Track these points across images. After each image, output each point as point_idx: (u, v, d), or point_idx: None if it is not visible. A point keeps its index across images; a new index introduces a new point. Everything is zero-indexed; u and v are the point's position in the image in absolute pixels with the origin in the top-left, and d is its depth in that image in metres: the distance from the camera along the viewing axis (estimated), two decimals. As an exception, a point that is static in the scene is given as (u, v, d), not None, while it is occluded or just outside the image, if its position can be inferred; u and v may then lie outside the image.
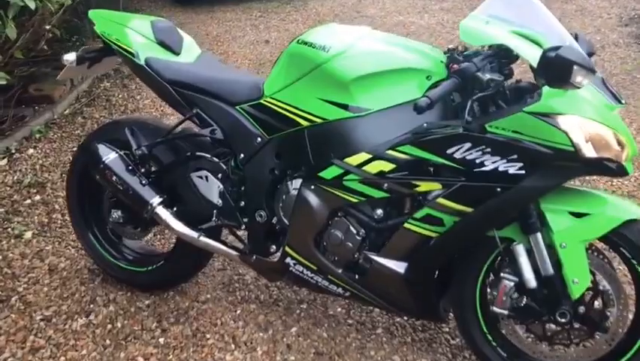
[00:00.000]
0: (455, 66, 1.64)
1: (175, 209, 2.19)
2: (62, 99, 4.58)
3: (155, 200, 2.14)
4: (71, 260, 2.73)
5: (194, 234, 2.12)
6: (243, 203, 2.07)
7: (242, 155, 2.03)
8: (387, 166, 1.72)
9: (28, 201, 3.25)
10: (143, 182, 2.15)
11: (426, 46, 1.89)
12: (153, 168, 2.21)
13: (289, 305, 2.41)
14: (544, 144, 1.56)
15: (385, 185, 1.75)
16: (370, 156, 1.74)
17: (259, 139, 1.99)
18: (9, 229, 3.00)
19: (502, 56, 1.65)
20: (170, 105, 2.18)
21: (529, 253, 1.74)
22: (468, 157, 1.63)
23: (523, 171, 1.60)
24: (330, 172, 1.82)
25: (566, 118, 1.54)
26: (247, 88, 2.03)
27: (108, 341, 2.27)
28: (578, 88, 1.46)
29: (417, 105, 1.52)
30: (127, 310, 2.43)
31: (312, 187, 1.87)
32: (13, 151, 3.88)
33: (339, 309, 2.39)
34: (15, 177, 3.53)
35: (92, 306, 2.45)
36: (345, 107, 1.79)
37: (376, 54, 1.80)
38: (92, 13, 2.26)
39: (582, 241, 1.67)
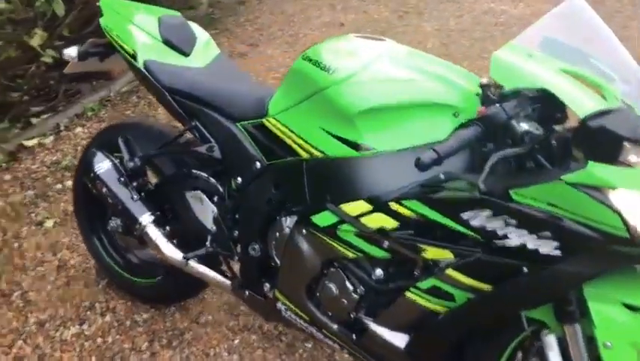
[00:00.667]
0: (482, 109, 1.29)
1: (168, 229, 1.97)
2: (122, 76, 4.49)
3: (145, 218, 1.93)
4: (83, 257, 2.60)
5: (182, 259, 1.90)
6: (236, 232, 1.82)
7: (239, 179, 1.78)
8: (390, 222, 1.41)
9: (59, 186, 3.16)
10: (134, 197, 1.94)
11: (460, 71, 1.54)
12: (149, 181, 1.99)
13: (293, 342, 2.16)
14: (588, 224, 1.19)
15: (386, 243, 1.44)
16: (370, 206, 1.43)
17: (258, 164, 1.72)
18: (33, 215, 2.92)
19: (550, 102, 1.27)
20: (171, 115, 1.94)
21: (563, 344, 1.37)
22: (487, 226, 1.29)
23: (559, 252, 1.24)
24: (323, 218, 1.52)
25: (618, 193, 1.16)
26: (251, 103, 1.76)
27: (94, 359, 2.11)
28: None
29: (419, 161, 1.20)
30: (122, 323, 2.26)
31: (304, 232, 1.59)
32: (62, 128, 3.84)
33: (347, 356, 2.10)
34: (55, 157, 3.47)
35: (88, 313, 2.31)
36: (347, 142, 1.48)
37: (392, 82, 1.47)
38: (103, 2, 2.05)
39: (636, 343, 1.29)
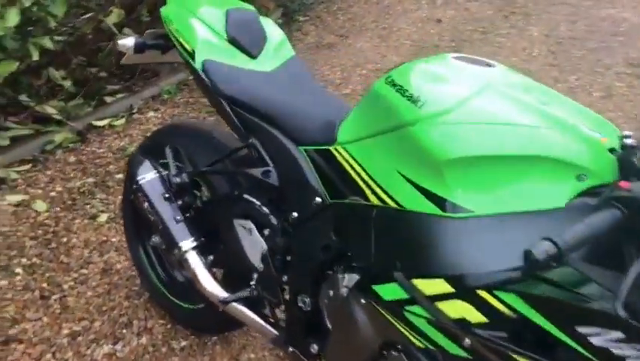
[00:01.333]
0: (623, 185, 0.91)
1: (211, 258, 1.69)
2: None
3: (187, 244, 1.66)
4: (129, 262, 2.39)
5: (223, 297, 1.62)
6: (285, 278, 1.52)
7: (295, 213, 1.47)
8: (476, 315, 1.06)
9: (120, 175, 2.98)
10: (177, 217, 1.68)
11: (593, 118, 1.16)
12: (197, 199, 1.72)
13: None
14: None
15: (467, 342, 1.08)
16: (452, 289, 1.08)
17: (319, 199, 1.41)
18: (88, 206, 2.75)
19: None
20: (229, 126, 1.65)
21: None
22: (614, 350, 0.91)
23: None
24: (389, 290, 1.19)
25: None
26: (319, 124, 1.44)
27: (121, 388, 1.89)
28: None
29: (531, 256, 0.84)
30: (158, 349, 2.03)
31: (363, 301, 1.26)
32: (135, 111, 3.69)
33: None
34: (122, 143, 3.31)
35: (124, 331, 2.09)
36: (430, 196, 1.14)
37: (498, 125, 1.11)
38: (169, -13, 1.78)
39: None
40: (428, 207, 1.14)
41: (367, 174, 1.29)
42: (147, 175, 1.72)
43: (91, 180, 2.96)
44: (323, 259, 1.41)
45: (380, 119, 1.25)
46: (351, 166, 1.34)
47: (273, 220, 1.54)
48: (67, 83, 3.64)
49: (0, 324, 2.10)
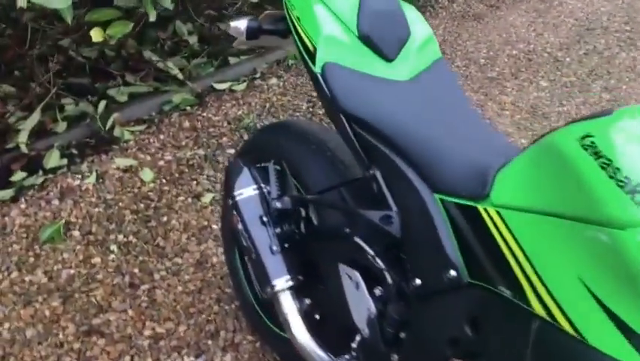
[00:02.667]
0: None
1: (307, 303, 1.39)
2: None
3: (281, 282, 1.37)
4: (226, 257, 2.17)
5: (319, 356, 1.32)
6: (396, 357, 1.18)
7: (417, 281, 1.12)
8: None
9: (232, 150, 2.76)
10: (274, 247, 1.38)
11: None
12: (296, 230, 1.41)
13: None
14: None
15: None
16: None
17: (453, 273, 1.05)
18: (194, 183, 2.56)
19: None
20: (349, 150, 1.31)
21: None
22: None
23: None
24: None
25: None
26: (467, 170, 1.07)
27: (195, 414, 1.68)
28: None
29: None
30: (241, 371, 1.80)
31: None
32: (258, 75, 3.44)
33: None
34: (239, 112, 3.09)
35: (209, 343, 1.88)
36: (634, 338, 0.74)
37: None
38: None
39: None
40: (626, 351, 0.74)
41: (528, 259, 0.91)
42: (245, 191, 1.43)
43: (201, 151, 2.76)
44: (449, 354, 1.05)
45: (563, 196, 0.86)
46: (504, 239, 0.96)
47: (388, 279, 1.20)
48: (193, 39, 3.46)
49: (86, 310, 1.96)
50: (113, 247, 2.22)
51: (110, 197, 2.47)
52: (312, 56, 1.29)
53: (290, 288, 1.37)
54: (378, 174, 1.21)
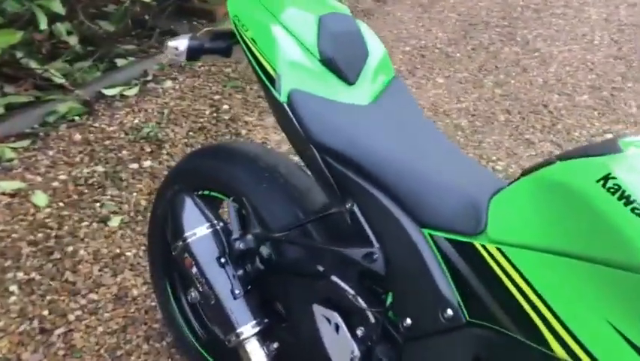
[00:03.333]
0: None
1: (275, 347, 1.28)
2: (226, 19, 3.77)
3: (247, 329, 1.25)
4: (148, 288, 1.99)
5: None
6: (388, 405, 1.12)
7: (408, 321, 1.07)
8: None
9: (135, 165, 2.54)
10: (237, 291, 1.26)
11: None
12: (259, 270, 1.30)
13: None
14: None
15: None
16: None
17: (450, 312, 1.00)
18: (97, 205, 2.32)
19: None
20: (319, 184, 1.22)
21: None
22: None
23: None
24: None
25: None
26: (456, 204, 1.02)
27: None
28: None
29: None
30: (186, 417, 1.65)
31: None
32: (150, 78, 3.20)
33: None
34: (136, 120, 2.85)
35: (144, 388, 1.70)
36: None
37: None
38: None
39: None
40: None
41: (542, 300, 0.88)
42: (198, 230, 1.28)
43: (100, 168, 2.51)
44: (450, 398, 1.01)
45: (582, 238, 0.83)
46: (509, 278, 0.93)
47: (371, 319, 1.13)
48: (74, 40, 3.14)
49: (-10, 367, 1.70)
50: (13, 288, 1.95)
51: (-1, 228, 2.17)
52: (274, 82, 1.18)
53: (256, 335, 1.25)
54: (356, 209, 1.13)
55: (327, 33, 1.21)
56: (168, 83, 3.20)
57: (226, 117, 2.93)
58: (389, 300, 1.15)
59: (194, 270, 1.27)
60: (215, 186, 1.44)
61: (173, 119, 2.88)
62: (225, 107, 3.01)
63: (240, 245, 1.24)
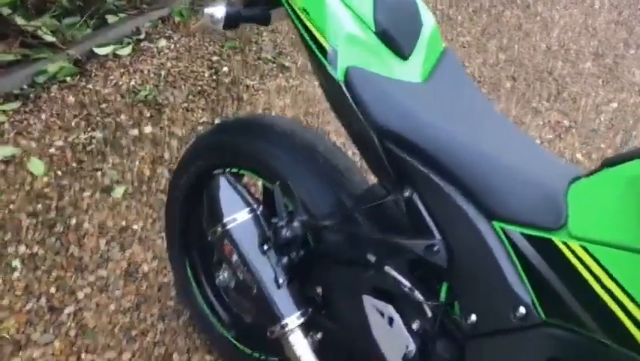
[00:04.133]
0: None
1: (319, 337, 1.22)
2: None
3: (292, 320, 1.18)
4: (159, 263, 1.91)
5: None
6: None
7: (473, 317, 1.01)
8: None
9: (135, 131, 2.42)
10: (281, 280, 1.19)
11: None
12: (303, 255, 1.22)
13: None
14: None
15: None
16: None
17: (523, 311, 0.95)
18: (99, 173, 2.20)
19: None
20: (373, 171, 1.14)
21: None
22: None
23: None
24: None
25: None
26: (531, 195, 0.96)
27: None
28: None
29: None
30: (208, 399, 1.59)
31: None
32: (142, 37, 3.03)
33: None
34: (132, 82, 2.70)
35: (163, 369, 1.64)
36: None
37: None
38: None
39: None
40: None
41: (632, 300, 0.83)
42: (239, 215, 1.20)
43: (98, 134, 2.38)
44: (522, 398, 0.96)
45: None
46: (596, 279, 0.87)
47: (428, 313, 1.08)
48: (62, -8, 2.94)
49: (-2, 348, 1.61)
50: (15, 263, 1.85)
51: (-6, 198, 2.04)
52: (327, 58, 1.08)
53: (301, 326, 1.19)
54: (416, 197, 1.06)
55: (383, 2, 1.11)
56: (163, 42, 3.04)
57: (226, 80, 2.80)
58: (444, 292, 1.09)
59: (235, 257, 1.19)
60: (246, 164, 1.35)
61: (172, 82, 2.74)
62: (225, 69, 2.88)
63: (286, 233, 1.16)
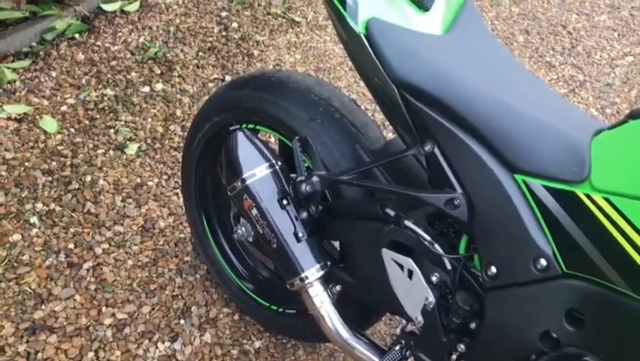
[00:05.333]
0: None
1: (338, 289, 1.24)
2: None
3: (312, 272, 1.20)
4: (175, 218, 1.93)
5: (365, 351, 1.20)
6: (462, 347, 1.09)
7: (493, 269, 1.02)
8: None
9: (146, 88, 2.41)
10: (300, 234, 1.20)
11: None
12: (322, 210, 1.23)
13: None
14: None
15: None
16: None
17: (543, 262, 0.96)
18: (112, 131, 2.20)
19: None
20: (394, 125, 1.13)
21: None
22: None
23: None
24: None
25: None
26: (554, 147, 0.96)
27: (188, 408, 1.51)
28: None
29: None
30: (227, 352, 1.63)
31: None
32: (151, -8, 2.97)
33: None
34: (141, 39, 2.67)
35: (182, 323, 1.68)
36: None
37: None
38: None
39: None
40: None
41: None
42: (257, 170, 1.20)
43: (109, 91, 2.37)
44: (539, 349, 0.98)
45: None
46: (621, 231, 0.88)
47: (447, 265, 1.09)
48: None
49: (21, 302, 1.65)
50: (33, 219, 1.87)
51: (9, 156, 2.05)
52: (347, 10, 1.06)
53: (320, 279, 1.21)
54: (437, 151, 1.05)
55: (404, -46, 1.09)
56: (170, -2, 2.98)
57: (236, 36, 2.77)
58: (463, 246, 1.10)
59: (254, 212, 1.20)
60: (263, 120, 1.34)
61: (181, 38, 2.71)
62: (234, 25, 2.84)
63: (306, 188, 1.16)
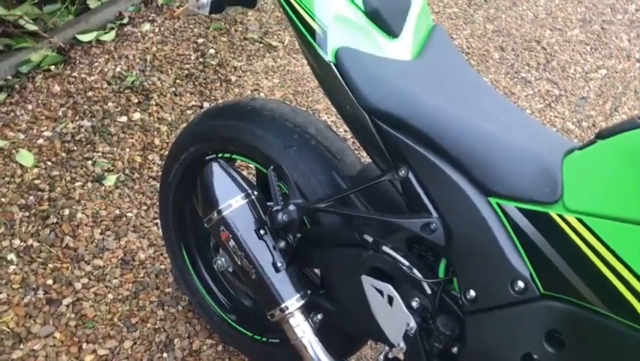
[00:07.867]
0: None
1: (319, 318, 1.23)
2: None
3: (292, 303, 1.19)
4: (155, 250, 1.91)
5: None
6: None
7: (472, 293, 1.02)
8: None
9: (124, 118, 2.39)
10: (279, 264, 1.19)
11: None
12: (300, 238, 1.22)
13: None
14: None
15: None
16: None
17: (521, 284, 0.96)
18: (89, 162, 2.18)
19: None
20: (368, 152, 1.13)
21: None
22: None
23: None
24: None
25: None
26: (525, 170, 0.96)
27: None
28: None
29: None
30: (211, 383, 1.61)
31: None
32: (126, 21, 2.98)
33: None
34: (117, 68, 2.66)
35: (165, 356, 1.65)
36: None
37: None
38: None
39: None
40: None
41: (630, 271, 0.84)
42: (234, 201, 1.19)
43: (87, 123, 2.35)
44: (523, 373, 0.98)
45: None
46: (594, 251, 0.88)
47: (427, 290, 1.09)
48: (39, -23, 2.88)
49: (-1, 343, 1.61)
50: (11, 256, 1.84)
51: (-15, 192, 2.03)
52: (316, 39, 1.07)
53: (301, 308, 1.19)
54: (411, 176, 1.05)
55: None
56: (147, 26, 2.99)
57: (213, 63, 2.77)
58: (442, 270, 1.10)
59: (232, 243, 1.19)
60: (238, 149, 1.34)
61: (158, 66, 2.71)
62: (211, 51, 2.85)
63: (282, 217, 1.16)
